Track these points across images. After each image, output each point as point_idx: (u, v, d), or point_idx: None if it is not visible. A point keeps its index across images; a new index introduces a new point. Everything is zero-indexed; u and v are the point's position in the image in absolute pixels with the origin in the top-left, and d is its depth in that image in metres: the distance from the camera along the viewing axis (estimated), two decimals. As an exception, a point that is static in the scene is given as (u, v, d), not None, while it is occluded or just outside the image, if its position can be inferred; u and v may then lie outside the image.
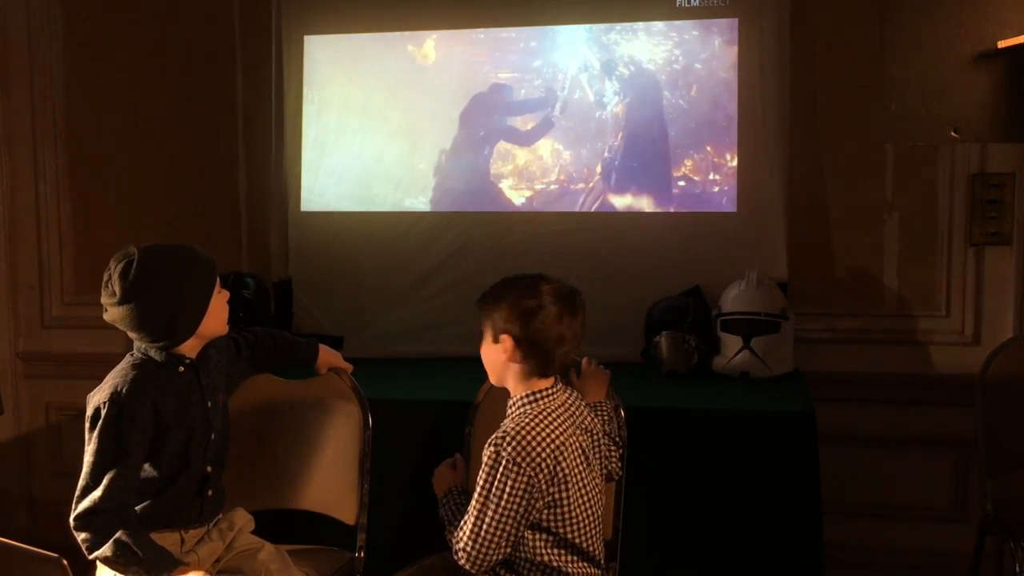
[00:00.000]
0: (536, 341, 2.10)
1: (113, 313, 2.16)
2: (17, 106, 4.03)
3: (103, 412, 2.11)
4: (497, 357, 2.15)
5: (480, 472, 2.06)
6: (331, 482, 2.60)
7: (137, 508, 2.17)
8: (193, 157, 3.90)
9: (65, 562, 1.57)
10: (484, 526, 2.03)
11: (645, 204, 3.56)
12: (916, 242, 3.44)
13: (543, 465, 2.02)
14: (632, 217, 3.56)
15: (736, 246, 3.43)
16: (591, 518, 2.12)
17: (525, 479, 2.01)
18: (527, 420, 2.08)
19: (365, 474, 2.58)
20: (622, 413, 2.49)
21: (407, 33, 3.71)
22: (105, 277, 2.16)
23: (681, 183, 3.53)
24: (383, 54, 3.73)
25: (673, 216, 3.53)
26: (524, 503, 2.02)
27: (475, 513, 2.04)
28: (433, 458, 2.49)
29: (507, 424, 2.09)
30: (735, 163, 3.47)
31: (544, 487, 2.03)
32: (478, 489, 2.05)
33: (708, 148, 3.51)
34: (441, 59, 3.70)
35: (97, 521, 2.06)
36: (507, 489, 2.01)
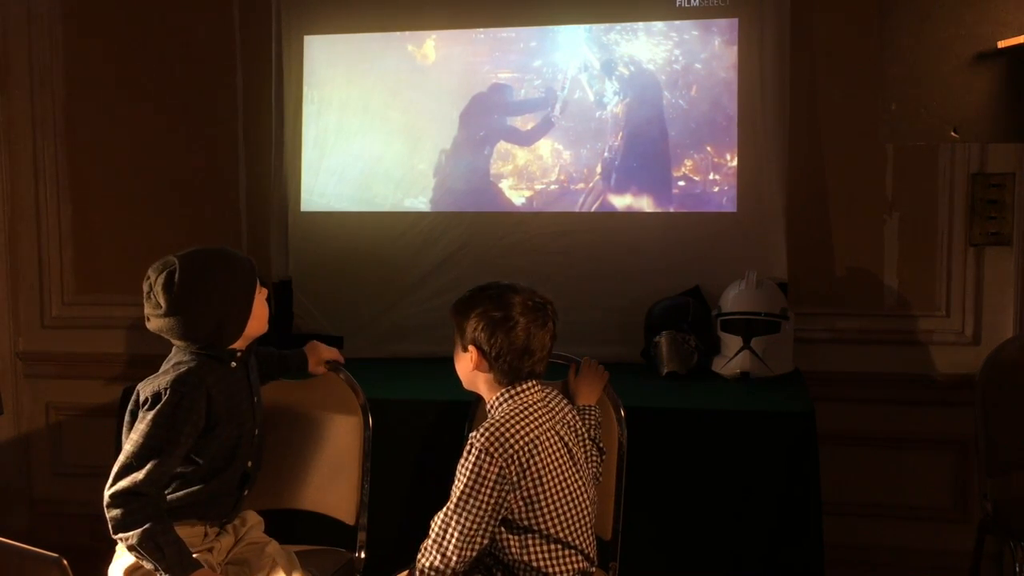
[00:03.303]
0: (501, 353, 2.10)
1: (158, 324, 2.17)
2: (17, 106, 4.03)
3: (164, 397, 2.11)
4: (466, 365, 2.17)
5: (459, 464, 2.07)
6: (331, 482, 2.60)
7: (177, 495, 2.18)
8: (193, 157, 3.90)
9: (65, 562, 1.57)
10: (455, 517, 2.03)
11: (645, 204, 3.56)
12: (916, 242, 3.44)
13: (515, 457, 2.03)
14: (632, 217, 3.56)
15: (736, 246, 3.43)
16: (575, 512, 2.12)
17: (496, 469, 2.02)
18: (504, 413, 2.10)
19: (365, 474, 2.58)
20: (622, 413, 2.49)
21: (407, 33, 3.71)
22: (146, 287, 2.17)
23: (681, 183, 3.53)
24: (383, 54, 3.73)
25: (673, 216, 3.54)
26: (495, 493, 2.03)
27: (450, 502, 2.05)
28: (433, 458, 2.49)
29: (487, 419, 2.11)
30: (735, 163, 3.47)
31: (515, 479, 2.04)
32: (456, 482, 2.06)
33: (708, 148, 3.51)
34: (441, 59, 3.70)
35: (133, 503, 2.07)
36: (477, 477, 2.02)
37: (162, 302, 2.13)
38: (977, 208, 3.39)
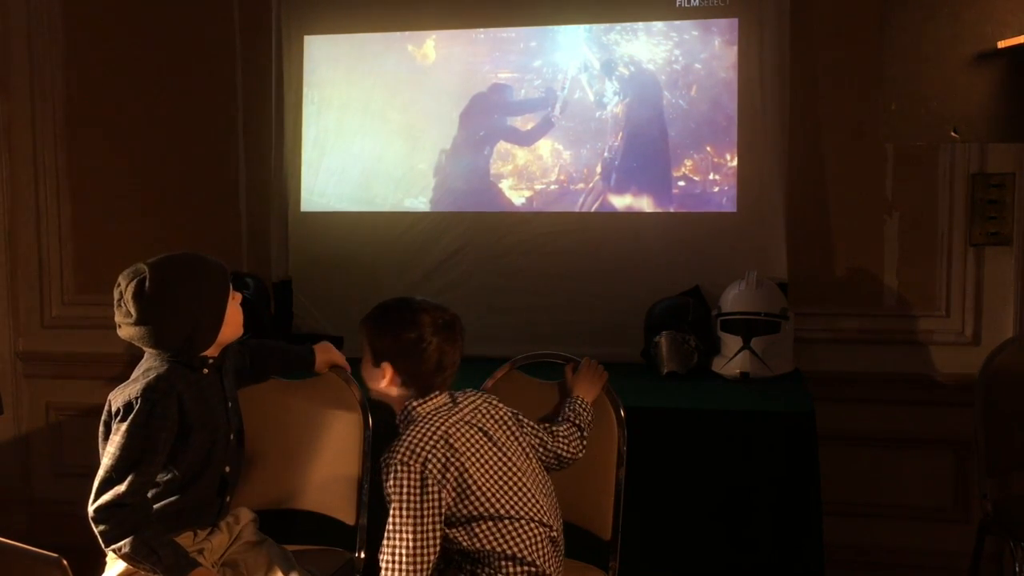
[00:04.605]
0: (415, 373, 2.16)
1: (129, 331, 2.16)
2: (17, 106, 4.03)
3: (136, 406, 2.10)
4: (376, 380, 2.21)
5: (383, 490, 2.09)
6: (331, 482, 2.60)
7: (157, 507, 2.17)
8: (193, 157, 3.90)
9: (65, 562, 1.57)
10: (397, 535, 2.04)
11: (645, 204, 3.56)
12: (916, 242, 3.44)
13: (431, 455, 2.06)
14: (632, 217, 3.56)
15: (736, 246, 3.44)
16: (510, 486, 2.13)
17: (417, 475, 2.04)
18: (408, 429, 2.12)
19: (365, 474, 2.58)
20: (622, 413, 2.49)
21: (407, 33, 3.71)
22: (116, 295, 2.16)
23: (681, 183, 3.53)
24: (383, 54, 3.73)
25: (673, 216, 3.54)
26: (424, 498, 2.04)
27: (388, 526, 2.05)
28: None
29: (396, 439, 2.13)
30: (735, 163, 3.47)
31: (439, 476, 2.05)
32: (388, 506, 2.07)
33: (708, 148, 3.51)
34: (441, 59, 3.70)
35: (118, 515, 2.07)
36: (404, 489, 2.04)
37: (133, 311, 2.12)
38: (977, 208, 3.38)
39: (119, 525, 2.06)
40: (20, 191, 4.06)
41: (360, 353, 3.59)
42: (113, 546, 2.08)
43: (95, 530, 2.09)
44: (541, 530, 2.14)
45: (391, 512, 2.05)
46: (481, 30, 3.68)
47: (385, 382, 2.18)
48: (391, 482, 2.05)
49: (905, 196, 3.44)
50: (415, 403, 2.17)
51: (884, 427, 3.44)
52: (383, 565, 2.05)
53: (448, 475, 2.07)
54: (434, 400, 2.18)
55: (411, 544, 2.03)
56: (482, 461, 2.12)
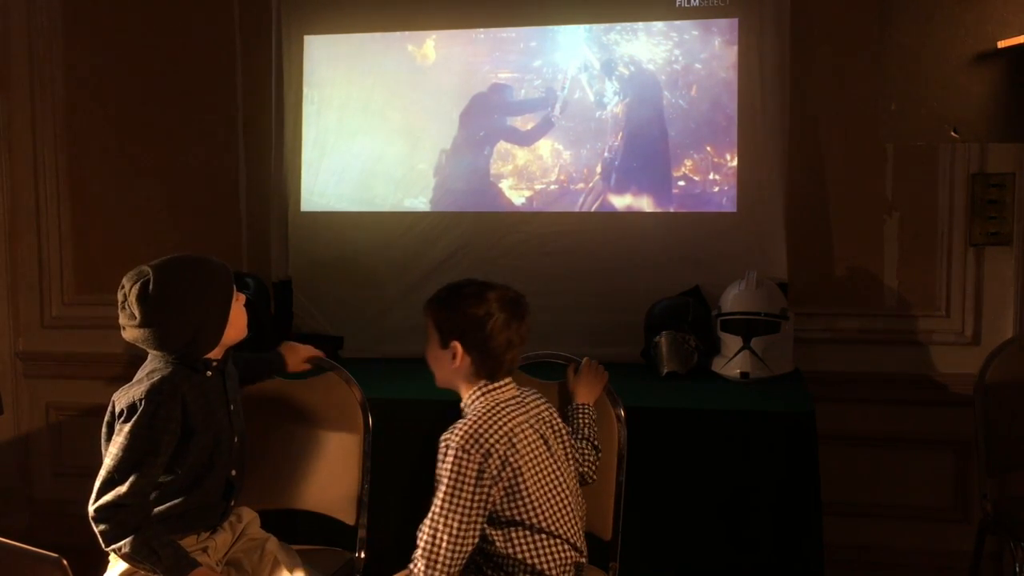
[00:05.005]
0: (486, 349, 2.14)
1: (133, 333, 2.16)
2: (17, 106, 4.03)
3: (140, 408, 2.10)
4: (445, 363, 2.18)
5: (436, 470, 2.07)
6: (331, 482, 2.60)
7: (160, 509, 2.17)
8: (193, 157, 3.90)
9: (65, 562, 1.57)
10: (443, 519, 2.03)
11: (645, 204, 3.56)
12: (916, 242, 3.44)
13: (494, 449, 2.04)
14: (632, 217, 3.56)
15: (736, 246, 3.44)
16: (557, 502, 2.12)
17: (476, 465, 2.03)
18: (477, 412, 2.11)
19: (365, 474, 2.58)
20: (622, 413, 2.49)
21: (407, 33, 3.71)
22: (120, 297, 2.16)
23: (681, 183, 3.53)
24: (383, 54, 3.73)
25: (673, 216, 3.54)
26: (479, 490, 2.03)
27: (434, 507, 2.04)
28: (433, 458, 2.49)
29: (461, 420, 2.12)
30: (735, 163, 3.47)
31: (495, 473, 2.04)
32: (437, 487, 2.06)
33: (708, 148, 3.51)
34: (441, 59, 3.70)
35: (119, 515, 2.07)
36: (458, 476, 2.02)
37: (137, 313, 2.12)
38: (977, 208, 3.39)
39: (119, 525, 2.07)
40: (20, 191, 4.06)
41: (360, 354, 3.60)
42: (113, 546, 2.08)
43: (95, 530, 2.09)
44: (572, 554, 2.14)
45: (440, 494, 2.03)
46: (481, 30, 3.68)
47: (457, 361, 2.15)
48: (448, 465, 2.03)
49: (905, 196, 3.44)
50: (486, 386, 2.15)
51: (884, 427, 3.45)
52: (421, 544, 2.04)
53: (504, 473, 2.05)
54: (505, 389, 2.16)
55: (455, 531, 2.02)
56: (537, 468, 2.11)
